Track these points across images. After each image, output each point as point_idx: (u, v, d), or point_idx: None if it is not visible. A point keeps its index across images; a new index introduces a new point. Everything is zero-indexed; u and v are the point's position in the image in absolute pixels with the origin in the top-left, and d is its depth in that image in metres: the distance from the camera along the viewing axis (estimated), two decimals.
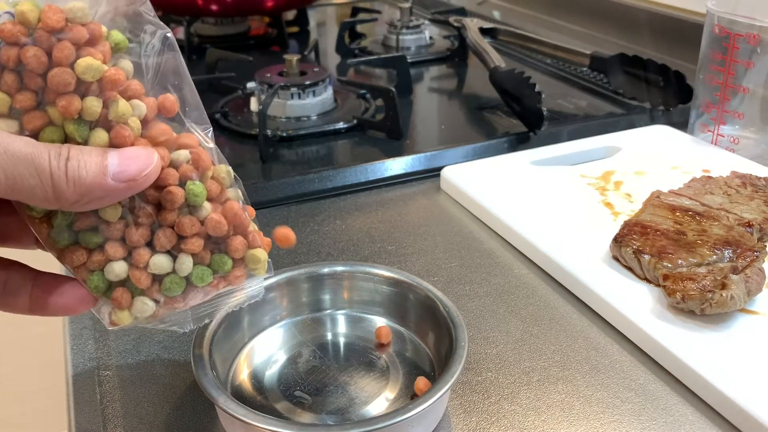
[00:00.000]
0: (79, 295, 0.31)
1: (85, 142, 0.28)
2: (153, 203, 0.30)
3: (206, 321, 0.35)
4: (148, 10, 0.30)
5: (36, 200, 0.26)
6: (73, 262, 0.30)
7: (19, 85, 0.27)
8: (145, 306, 0.31)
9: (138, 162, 0.28)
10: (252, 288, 0.34)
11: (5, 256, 0.32)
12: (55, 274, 0.31)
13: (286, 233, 0.35)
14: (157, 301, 0.31)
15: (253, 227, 0.33)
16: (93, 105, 0.27)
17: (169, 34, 0.30)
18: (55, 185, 0.26)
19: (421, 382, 0.37)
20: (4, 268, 0.31)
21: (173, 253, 0.31)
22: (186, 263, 0.31)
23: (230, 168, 0.32)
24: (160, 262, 0.30)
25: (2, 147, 0.24)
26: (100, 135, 0.28)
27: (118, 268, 0.30)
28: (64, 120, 0.28)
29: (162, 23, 0.30)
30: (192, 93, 0.31)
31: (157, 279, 0.31)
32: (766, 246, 0.47)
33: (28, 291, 0.31)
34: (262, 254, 0.33)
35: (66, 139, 0.28)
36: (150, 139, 0.29)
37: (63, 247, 0.30)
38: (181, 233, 0.30)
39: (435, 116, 0.79)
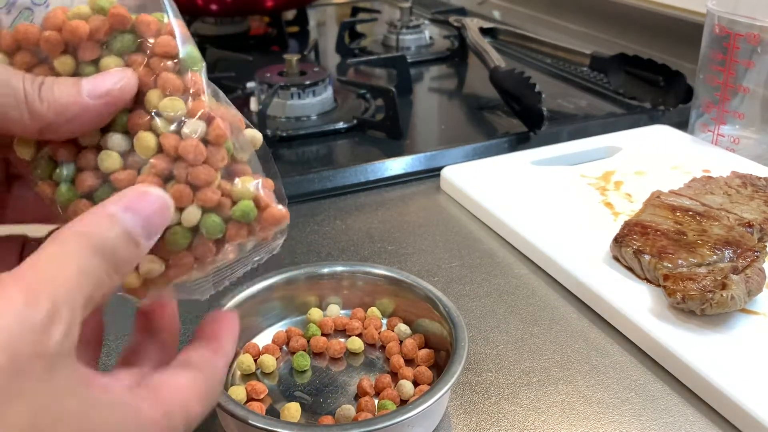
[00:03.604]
0: None
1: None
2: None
3: (226, 284, 0.32)
4: None
5: (13, 122, 0.26)
6: (77, 214, 0.28)
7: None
8: (152, 265, 0.28)
9: (111, 77, 0.28)
10: (272, 244, 0.32)
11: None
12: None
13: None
14: (165, 260, 0.29)
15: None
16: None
17: None
18: (30, 104, 0.26)
19: (365, 381, 0.38)
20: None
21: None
22: (193, 213, 0.28)
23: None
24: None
25: None
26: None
27: None
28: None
29: None
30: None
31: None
32: (766, 246, 0.47)
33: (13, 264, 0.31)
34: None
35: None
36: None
37: (66, 202, 0.29)
38: (194, 182, 0.28)
39: (435, 116, 0.79)
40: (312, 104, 0.74)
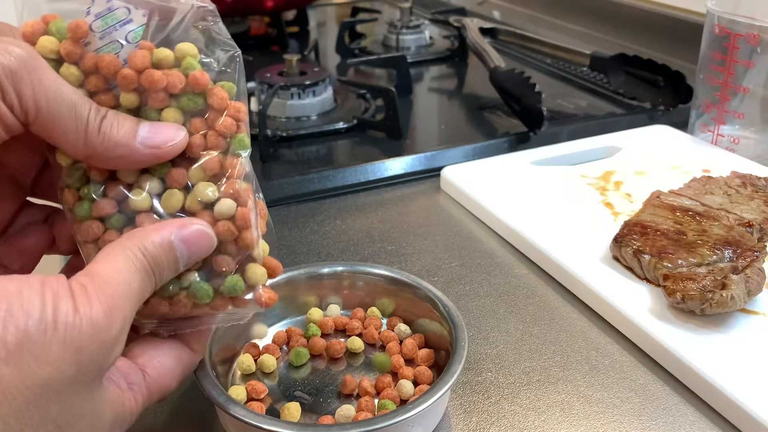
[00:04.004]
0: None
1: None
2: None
3: (186, 331, 0.33)
4: (219, 30, 0.33)
5: (67, 143, 0.29)
6: (88, 235, 0.30)
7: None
8: None
9: (166, 133, 0.30)
10: (244, 313, 0.33)
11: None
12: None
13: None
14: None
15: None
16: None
17: (237, 55, 0.33)
18: (88, 133, 0.28)
19: (365, 381, 0.38)
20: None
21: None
22: (191, 276, 0.31)
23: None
24: None
25: (57, 87, 0.28)
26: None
27: None
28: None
29: (234, 44, 0.33)
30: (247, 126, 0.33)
31: None
32: (766, 246, 0.47)
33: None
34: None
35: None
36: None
37: (82, 219, 0.31)
38: (217, 268, 0.31)
39: (435, 116, 0.79)
40: (312, 104, 0.74)
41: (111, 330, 0.25)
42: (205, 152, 0.31)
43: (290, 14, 1.15)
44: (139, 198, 0.31)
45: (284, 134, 0.70)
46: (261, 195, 0.33)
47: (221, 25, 0.33)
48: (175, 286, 0.30)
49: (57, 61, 0.30)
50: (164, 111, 0.31)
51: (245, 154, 0.32)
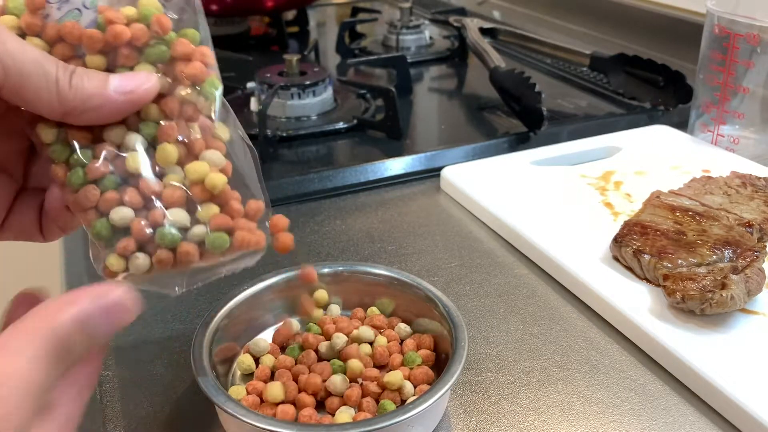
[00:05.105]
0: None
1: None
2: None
3: (198, 285, 0.33)
4: None
5: (41, 102, 0.28)
6: (88, 201, 0.30)
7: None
8: (141, 262, 0.30)
9: (137, 78, 0.30)
10: (251, 257, 0.33)
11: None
12: None
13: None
14: (149, 255, 0.30)
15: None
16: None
17: None
18: (59, 88, 0.28)
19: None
20: None
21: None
22: (202, 229, 0.30)
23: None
24: (181, 217, 0.30)
25: (21, 47, 0.28)
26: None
27: (127, 213, 0.30)
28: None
29: None
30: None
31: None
32: (766, 246, 0.47)
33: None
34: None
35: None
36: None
37: (77, 188, 0.30)
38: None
39: (435, 116, 0.79)
40: (312, 104, 0.74)
41: None
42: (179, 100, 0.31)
43: (290, 14, 1.15)
44: (130, 156, 0.30)
45: (284, 134, 0.70)
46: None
47: None
48: (174, 236, 0.30)
49: (20, 37, 0.29)
50: (135, 68, 0.31)
51: (218, 92, 0.32)
